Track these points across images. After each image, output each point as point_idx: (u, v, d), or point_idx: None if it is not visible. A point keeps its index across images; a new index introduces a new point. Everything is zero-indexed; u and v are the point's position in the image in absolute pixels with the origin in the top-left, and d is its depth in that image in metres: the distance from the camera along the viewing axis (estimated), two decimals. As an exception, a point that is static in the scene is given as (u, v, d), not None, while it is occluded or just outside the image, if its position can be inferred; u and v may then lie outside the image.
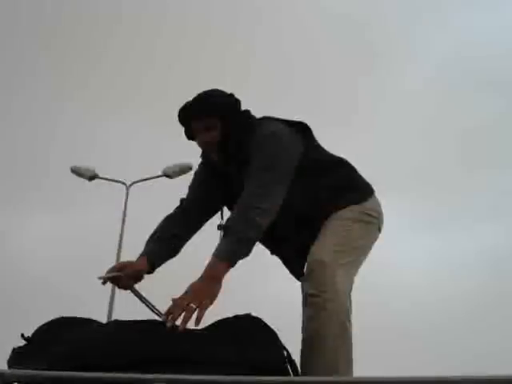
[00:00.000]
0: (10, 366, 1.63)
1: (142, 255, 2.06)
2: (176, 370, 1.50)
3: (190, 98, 2.06)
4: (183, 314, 1.67)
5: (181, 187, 2.33)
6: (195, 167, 2.29)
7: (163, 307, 1.78)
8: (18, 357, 1.66)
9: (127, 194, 11.23)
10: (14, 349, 1.69)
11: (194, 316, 1.68)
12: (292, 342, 1.82)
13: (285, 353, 1.72)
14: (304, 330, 1.85)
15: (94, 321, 1.78)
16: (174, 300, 1.72)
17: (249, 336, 1.65)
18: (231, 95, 2.08)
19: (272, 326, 1.74)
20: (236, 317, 1.75)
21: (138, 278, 2.03)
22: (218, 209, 2.15)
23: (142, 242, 2.13)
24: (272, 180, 1.90)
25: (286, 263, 2.19)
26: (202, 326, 1.70)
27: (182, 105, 2.05)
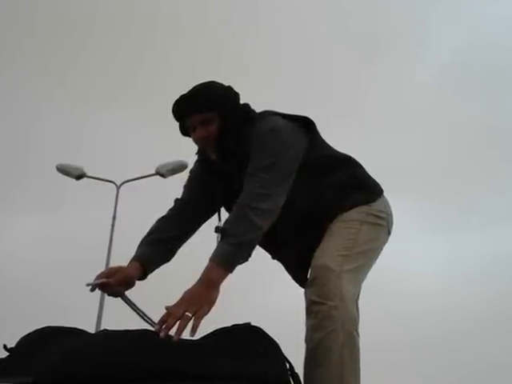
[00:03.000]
0: (-9, 380, 1.63)
1: (133, 259, 2.05)
2: (170, 384, 1.49)
3: (186, 91, 2.05)
4: (178, 323, 1.67)
5: (175, 187, 2.33)
6: (190, 165, 2.29)
7: (156, 316, 1.77)
8: (0, 369, 1.65)
9: (117, 194, 11.23)
10: (-5, 361, 1.68)
11: (190, 325, 1.68)
12: (295, 353, 1.82)
13: (287, 365, 1.71)
14: (307, 340, 1.84)
15: (82, 331, 1.78)
16: (167, 308, 1.72)
17: (248, 347, 1.65)
18: (230, 88, 2.07)
19: (273, 337, 1.73)
20: (235, 326, 1.74)
21: (129, 285, 2.02)
22: (216, 210, 2.15)
23: (133, 246, 2.13)
24: (273, 179, 1.90)
25: (287, 268, 2.19)
26: (198, 336, 1.70)
27: (176, 98, 2.05)
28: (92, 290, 1.99)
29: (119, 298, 2.02)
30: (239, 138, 2.00)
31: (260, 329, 1.74)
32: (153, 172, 11.27)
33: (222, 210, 2.15)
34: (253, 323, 1.76)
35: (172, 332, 1.66)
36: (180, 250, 2.18)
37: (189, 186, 2.21)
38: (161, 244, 2.09)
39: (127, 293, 2.03)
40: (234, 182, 2.02)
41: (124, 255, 2.20)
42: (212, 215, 2.17)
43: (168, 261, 2.15)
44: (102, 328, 1.93)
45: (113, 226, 10.80)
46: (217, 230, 1.94)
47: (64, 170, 11.21)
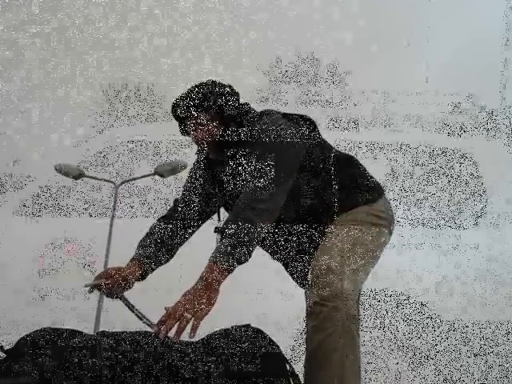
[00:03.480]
0: (-12, 382, 1.62)
1: (132, 260, 2.04)
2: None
3: (184, 91, 2.04)
4: (177, 324, 1.66)
5: (174, 187, 2.32)
6: (190, 165, 2.28)
7: (155, 317, 1.76)
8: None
9: (116, 194, 11.21)
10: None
11: (189, 327, 1.67)
12: (295, 354, 1.81)
13: (287, 366, 1.71)
14: (308, 341, 1.83)
15: (80, 332, 1.77)
16: (167, 309, 1.71)
17: (248, 349, 1.64)
18: (229, 87, 2.06)
19: (273, 337, 1.72)
20: (234, 328, 1.73)
21: (128, 286, 2.01)
22: (215, 210, 2.14)
23: (132, 246, 2.12)
24: (273, 179, 1.88)
25: (287, 269, 2.17)
26: (197, 337, 1.68)
27: (175, 98, 2.03)
28: (90, 291, 1.98)
29: (117, 299, 2.01)
30: (239, 137, 1.99)
31: (260, 330, 1.73)
32: (151, 171, 11.24)
33: (222, 209, 2.14)
34: (253, 324, 1.75)
35: (171, 333, 1.65)
36: (180, 250, 2.17)
37: (188, 187, 2.20)
38: (160, 244, 2.08)
39: (126, 294, 2.02)
40: (234, 181, 2.01)
41: (123, 255, 2.19)
42: (212, 215, 2.16)
43: (168, 261, 2.14)
44: (100, 330, 1.92)
45: (111, 226, 10.78)
46: (216, 230, 1.92)
47: (62, 170, 11.18)
